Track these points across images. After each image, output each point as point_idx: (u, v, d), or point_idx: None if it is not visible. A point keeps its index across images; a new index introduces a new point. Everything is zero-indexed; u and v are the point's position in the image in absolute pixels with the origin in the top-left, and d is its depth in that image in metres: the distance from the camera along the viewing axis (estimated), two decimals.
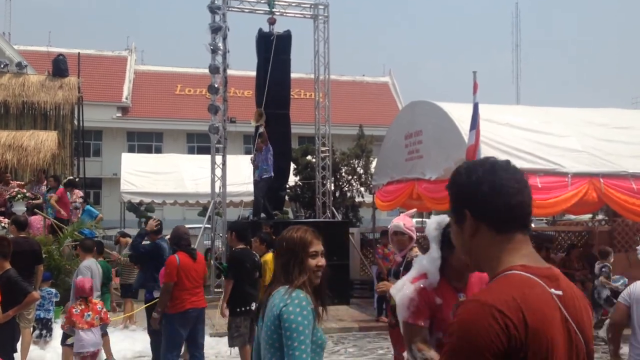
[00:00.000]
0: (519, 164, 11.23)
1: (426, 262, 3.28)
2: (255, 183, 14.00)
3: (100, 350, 7.09)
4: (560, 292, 1.54)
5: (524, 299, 1.46)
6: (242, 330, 7.40)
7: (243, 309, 7.43)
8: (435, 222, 3.43)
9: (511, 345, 1.42)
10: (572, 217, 19.48)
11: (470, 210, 1.64)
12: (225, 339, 7.78)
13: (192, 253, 7.12)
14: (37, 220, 11.90)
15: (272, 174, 13.74)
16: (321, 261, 2.95)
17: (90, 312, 6.73)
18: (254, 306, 7.44)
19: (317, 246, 2.98)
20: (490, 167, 1.66)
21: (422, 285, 3.24)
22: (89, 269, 7.71)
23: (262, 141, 13.74)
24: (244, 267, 7.51)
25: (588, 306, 1.66)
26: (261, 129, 13.93)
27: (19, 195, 11.87)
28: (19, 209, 11.83)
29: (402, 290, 3.28)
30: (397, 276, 5.63)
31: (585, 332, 1.60)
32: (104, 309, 7.03)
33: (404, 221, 5.38)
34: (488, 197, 1.61)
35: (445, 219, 3.55)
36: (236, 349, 7.64)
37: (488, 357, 1.41)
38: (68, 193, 12.86)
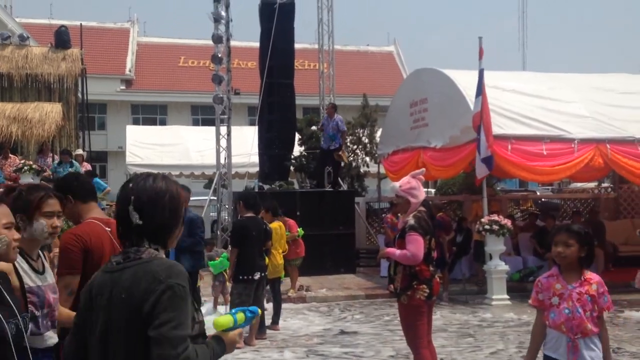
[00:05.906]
0: (525, 130, 11.19)
1: None
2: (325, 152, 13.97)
3: None
4: (109, 229, 3.34)
5: (90, 230, 3.35)
6: (243, 298, 7.46)
7: (245, 277, 7.48)
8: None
9: (85, 248, 3.29)
10: (578, 184, 19.42)
11: (72, 194, 3.46)
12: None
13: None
14: None
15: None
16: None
17: None
18: (257, 276, 7.50)
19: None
20: (79, 175, 4.05)
21: None
22: None
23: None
24: (249, 235, 7.55)
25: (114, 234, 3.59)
26: None
27: (25, 167, 11.89)
28: (26, 180, 11.84)
29: None
30: (392, 244, 5.27)
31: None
32: None
33: (402, 183, 5.05)
34: (78, 189, 3.52)
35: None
36: None
37: (76, 251, 3.27)
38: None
